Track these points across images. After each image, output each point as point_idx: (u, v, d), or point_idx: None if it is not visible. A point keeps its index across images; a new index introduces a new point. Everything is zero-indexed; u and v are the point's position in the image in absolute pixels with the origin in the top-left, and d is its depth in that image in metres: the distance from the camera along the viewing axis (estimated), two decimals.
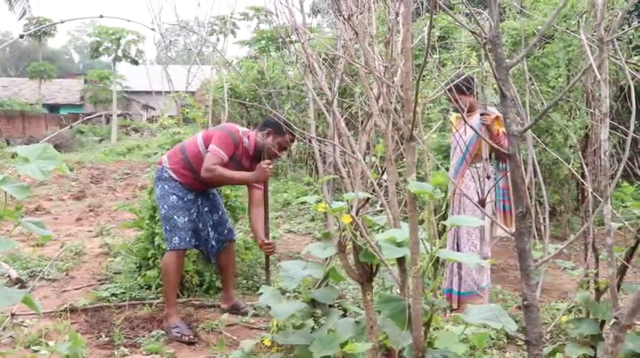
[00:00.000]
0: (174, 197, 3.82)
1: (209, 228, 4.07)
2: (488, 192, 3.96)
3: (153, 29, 5.38)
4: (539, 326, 1.75)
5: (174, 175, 3.85)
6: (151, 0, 5.67)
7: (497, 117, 3.93)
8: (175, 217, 3.80)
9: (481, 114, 3.95)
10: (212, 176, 3.73)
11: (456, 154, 4.25)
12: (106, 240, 6.01)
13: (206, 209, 4.04)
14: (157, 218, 4.45)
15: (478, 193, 4.00)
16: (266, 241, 3.95)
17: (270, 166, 3.77)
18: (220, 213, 4.13)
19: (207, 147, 3.78)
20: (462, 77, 3.89)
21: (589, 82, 2.54)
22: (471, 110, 4.12)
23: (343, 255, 2.29)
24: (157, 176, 3.91)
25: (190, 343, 3.58)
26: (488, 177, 4.03)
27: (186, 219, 3.82)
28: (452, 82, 3.67)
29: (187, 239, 3.85)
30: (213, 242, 4.09)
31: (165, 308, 3.83)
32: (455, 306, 4.12)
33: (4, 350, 3.30)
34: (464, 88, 3.95)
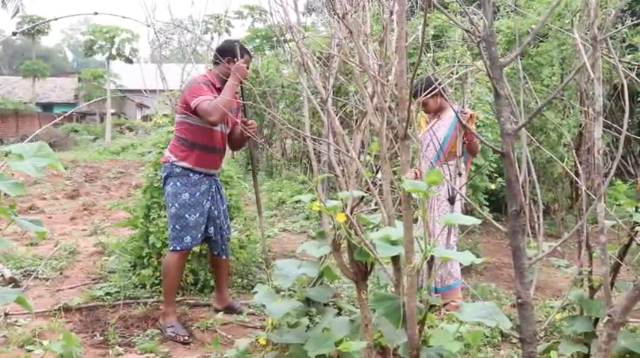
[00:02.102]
0: (187, 195, 3.75)
1: (222, 216, 4.03)
2: (460, 188, 4.02)
3: (148, 25, 5.37)
4: (533, 324, 1.76)
5: (188, 164, 3.76)
6: None
7: (471, 116, 4.12)
8: (187, 216, 3.75)
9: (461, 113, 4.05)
10: (217, 113, 3.59)
11: (428, 152, 4.27)
12: (101, 239, 5.99)
13: (219, 196, 4.01)
14: (151, 217, 4.44)
15: (448, 190, 4.05)
16: (246, 120, 3.86)
17: (246, 64, 3.76)
18: (225, 206, 4.11)
19: (184, 112, 3.73)
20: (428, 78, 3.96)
21: (583, 80, 2.55)
22: (440, 110, 4.31)
23: (338, 253, 2.29)
24: (167, 173, 3.82)
25: (185, 343, 3.57)
26: (460, 174, 4.08)
27: (197, 215, 3.78)
28: (424, 83, 3.77)
29: (199, 236, 3.82)
30: (226, 228, 4.07)
31: (164, 306, 3.81)
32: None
33: None
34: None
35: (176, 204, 3.75)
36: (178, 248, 3.76)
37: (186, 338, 3.60)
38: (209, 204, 3.89)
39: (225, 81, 3.72)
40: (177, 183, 3.77)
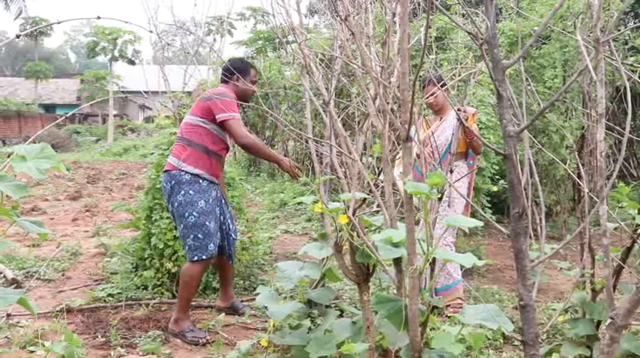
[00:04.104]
0: (202, 202, 3.67)
1: (229, 221, 4.00)
2: (468, 187, 4.02)
3: (151, 31, 5.38)
4: (535, 327, 1.75)
5: (196, 170, 3.68)
6: (147, 0, 5.64)
7: (472, 115, 4.08)
8: (207, 223, 3.67)
9: (458, 110, 4.02)
10: (250, 142, 3.71)
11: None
12: (103, 240, 5.99)
13: (223, 201, 3.96)
14: (153, 218, 4.43)
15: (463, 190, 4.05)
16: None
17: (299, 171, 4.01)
18: (230, 209, 4.09)
19: (204, 117, 3.71)
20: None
21: (585, 82, 2.55)
22: (443, 108, 4.27)
23: (340, 255, 2.29)
24: (176, 181, 3.69)
25: (208, 343, 3.54)
26: (452, 171, 4.08)
27: (213, 222, 3.72)
28: (430, 79, 3.77)
29: (218, 242, 3.77)
30: (233, 234, 4.04)
31: (177, 313, 3.70)
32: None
33: (0, 350, 3.29)
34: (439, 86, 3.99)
35: (194, 213, 3.65)
36: (204, 257, 3.65)
37: (208, 338, 3.57)
38: (218, 211, 3.85)
39: (240, 97, 3.87)
40: (190, 192, 3.67)
